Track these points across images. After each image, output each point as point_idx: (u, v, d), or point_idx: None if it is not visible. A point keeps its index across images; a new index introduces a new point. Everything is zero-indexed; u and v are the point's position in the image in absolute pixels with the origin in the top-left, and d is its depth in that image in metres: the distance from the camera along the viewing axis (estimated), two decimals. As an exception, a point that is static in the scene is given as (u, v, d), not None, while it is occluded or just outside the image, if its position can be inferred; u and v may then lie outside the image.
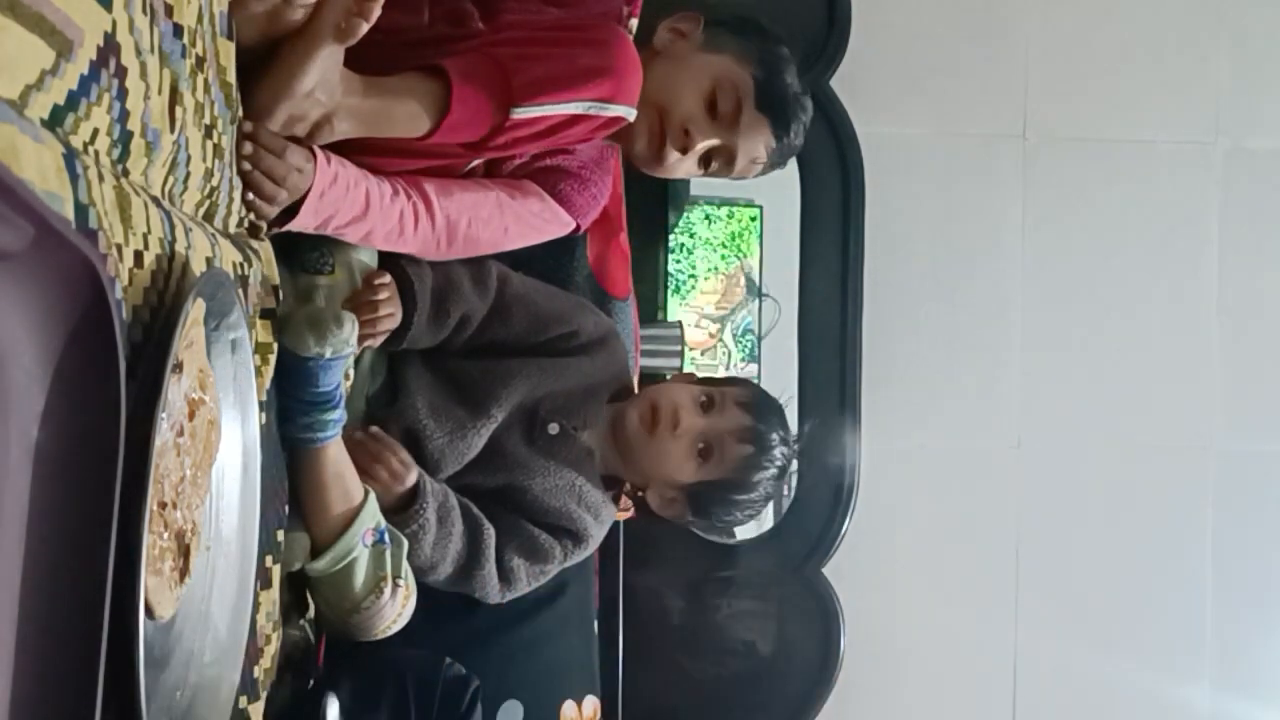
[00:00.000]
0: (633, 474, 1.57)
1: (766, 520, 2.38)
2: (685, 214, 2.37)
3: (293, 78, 1.08)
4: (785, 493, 2.36)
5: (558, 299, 1.57)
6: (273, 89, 1.08)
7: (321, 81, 1.10)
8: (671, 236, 2.35)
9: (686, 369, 2.23)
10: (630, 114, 1.34)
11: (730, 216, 2.42)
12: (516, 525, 1.49)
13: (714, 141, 1.57)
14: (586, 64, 1.27)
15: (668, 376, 1.93)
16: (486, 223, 1.42)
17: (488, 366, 1.49)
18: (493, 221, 1.43)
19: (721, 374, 2.41)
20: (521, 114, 1.24)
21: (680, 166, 1.61)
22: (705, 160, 1.63)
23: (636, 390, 1.67)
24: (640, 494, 1.60)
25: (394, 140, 1.22)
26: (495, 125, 1.24)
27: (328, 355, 1.15)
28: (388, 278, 1.36)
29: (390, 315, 1.36)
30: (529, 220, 1.49)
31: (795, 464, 1.66)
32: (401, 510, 1.35)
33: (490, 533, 1.45)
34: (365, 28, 1.06)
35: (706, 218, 2.40)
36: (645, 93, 1.49)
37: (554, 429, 1.50)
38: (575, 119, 1.28)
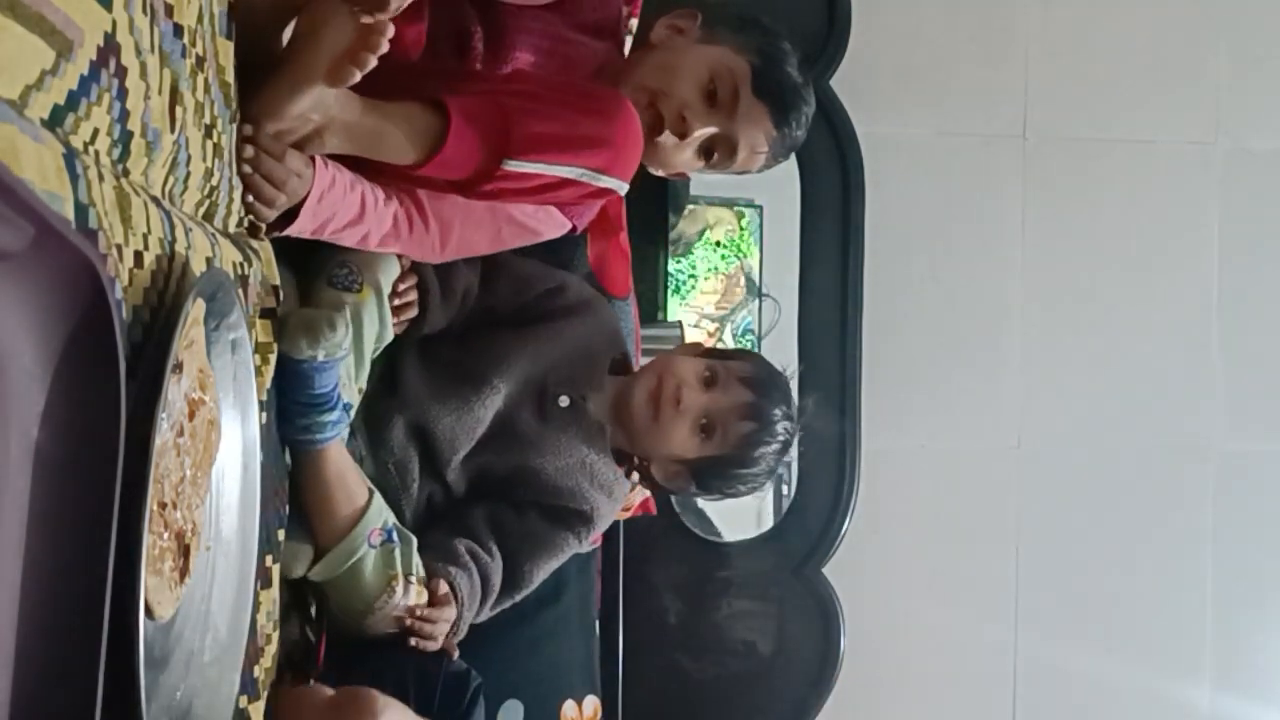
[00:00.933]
0: (637, 448, 1.58)
1: (766, 520, 2.38)
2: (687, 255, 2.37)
3: (283, 103, 1.07)
4: (785, 490, 2.36)
5: (538, 263, 1.59)
6: (262, 107, 1.08)
7: (313, 106, 1.10)
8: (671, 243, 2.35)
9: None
10: (622, 189, 1.35)
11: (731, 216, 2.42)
12: (529, 527, 1.50)
13: (712, 129, 1.56)
14: (588, 133, 1.27)
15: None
16: (479, 225, 1.43)
17: (479, 339, 1.50)
18: (485, 224, 1.44)
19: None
20: (513, 167, 1.24)
21: (679, 156, 1.60)
22: (706, 152, 1.62)
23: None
24: (646, 465, 1.61)
25: (381, 164, 1.23)
26: (485, 171, 1.24)
27: (321, 358, 1.15)
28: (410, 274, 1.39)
29: (412, 303, 1.39)
30: (522, 222, 1.50)
31: (797, 437, 1.66)
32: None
33: (494, 570, 1.47)
34: (358, 76, 1.05)
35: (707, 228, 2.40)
36: (641, 81, 1.49)
37: (564, 401, 1.51)
38: (566, 182, 1.28)
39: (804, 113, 1.61)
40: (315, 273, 1.29)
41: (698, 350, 1.63)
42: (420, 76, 1.29)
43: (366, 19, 1.05)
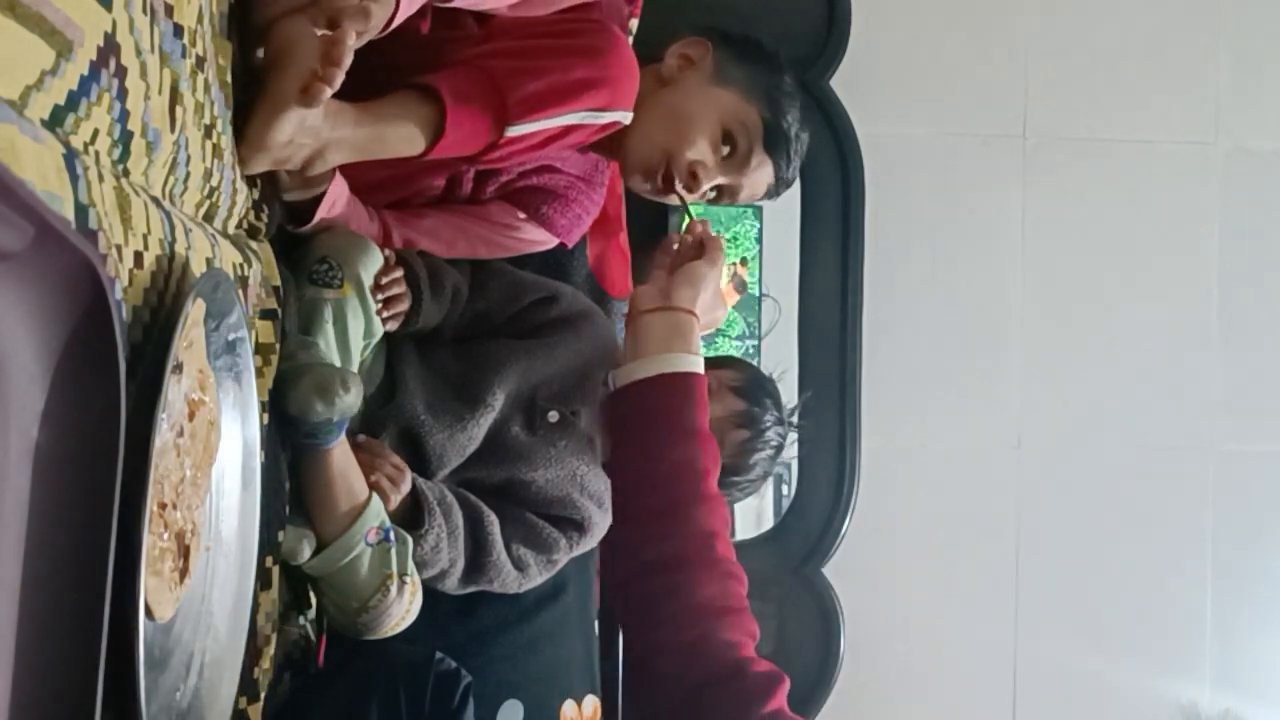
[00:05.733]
0: None
1: (767, 520, 2.38)
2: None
3: (265, 136, 1.05)
4: (785, 490, 2.36)
5: (530, 272, 1.59)
6: (249, 144, 1.06)
7: (299, 130, 1.08)
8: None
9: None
10: (626, 118, 1.34)
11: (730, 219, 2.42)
12: (520, 519, 1.49)
13: (720, 181, 1.57)
14: (581, 76, 1.27)
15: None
16: (450, 246, 1.48)
17: (476, 353, 1.50)
18: (457, 246, 1.49)
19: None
20: (516, 131, 1.24)
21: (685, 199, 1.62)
22: (708, 193, 1.63)
23: None
24: None
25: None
26: (490, 143, 1.25)
27: (335, 419, 1.14)
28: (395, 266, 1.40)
29: (403, 295, 1.39)
30: (499, 242, 1.55)
31: (794, 437, 1.66)
32: (412, 525, 1.36)
33: (491, 517, 1.45)
34: (329, 93, 1.03)
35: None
36: (651, 130, 1.48)
37: (554, 416, 1.50)
38: (571, 128, 1.28)
39: (803, 151, 1.63)
40: (294, 270, 1.29)
41: None
42: (408, 50, 1.28)
43: (327, 32, 1.03)
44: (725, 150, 1.54)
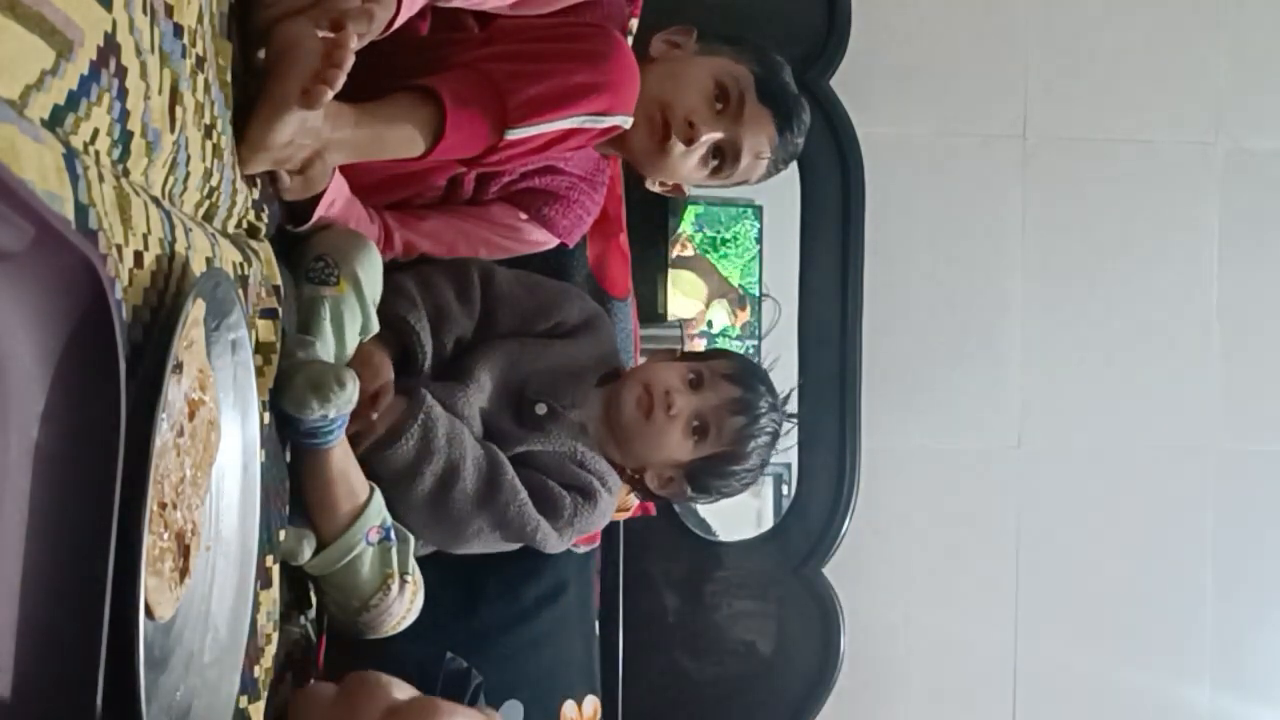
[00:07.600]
0: (630, 458, 1.57)
1: (767, 520, 2.38)
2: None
3: (265, 136, 1.05)
4: (785, 490, 2.36)
5: (541, 290, 1.58)
6: (250, 144, 1.06)
7: (300, 131, 1.08)
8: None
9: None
10: (626, 122, 1.34)
11: (731, 219, 2.42)
12: (527, 476, 1.49)
13: (718, 134, 1.57)
14: (582, 80, 1.27)
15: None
16: (450, 249, 1.50)
17: (470, 349, 1.51)
18: (459, 248, 1.51)
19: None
20: (516, 135, 1.24)
21: (685, 162, 1.60)
22: (709, 159, 1.63)
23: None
24: (638, 476, 1.61)
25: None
26: (489, 146, 1.25)
27: (332, 415, 1.14)
28: (386, 378, 1.37)
29: (391, 406, 1.38)
30: (500, 243, 1.56)
31: (790, 425, 1.66)
32: (398, 426, 1.36)
33: (497, 450, 1.46)
34: (330, 94, 1.02)
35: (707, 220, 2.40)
36: (647, 90, 1.50)
37: (541, 409, 1.50)
38: (571, 132, 1.29)
39: (804, 120, 1.64)
40: (292, 268, 1.29)
41: (675, 356, 1.63)
42: (410, 52, 1.28)
43: (328, 34, 1.03)
44: (719, 106, 1.56)
